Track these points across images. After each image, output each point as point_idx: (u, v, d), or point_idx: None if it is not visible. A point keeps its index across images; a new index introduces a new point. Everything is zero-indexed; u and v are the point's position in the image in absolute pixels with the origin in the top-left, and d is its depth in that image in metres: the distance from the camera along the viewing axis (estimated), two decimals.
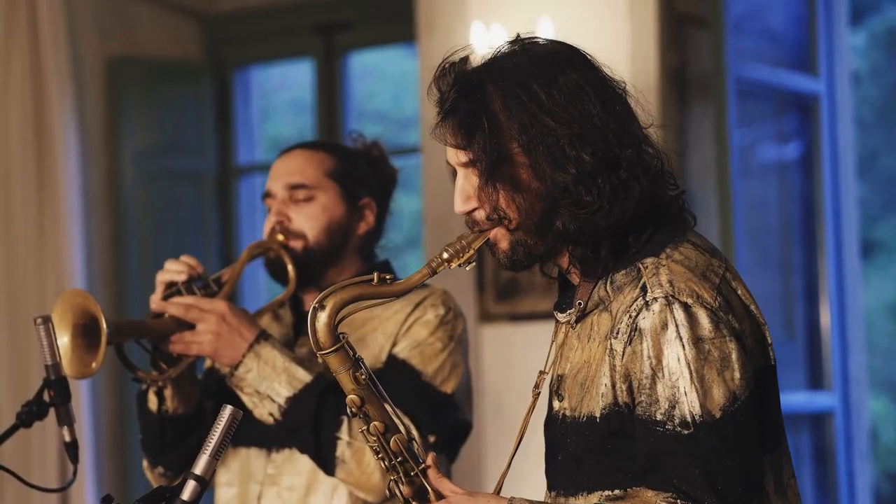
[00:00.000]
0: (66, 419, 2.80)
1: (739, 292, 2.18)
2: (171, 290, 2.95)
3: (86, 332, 2.86)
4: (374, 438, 2.23)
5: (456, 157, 2.22)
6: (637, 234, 2.18)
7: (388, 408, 2.25)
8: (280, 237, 3.04)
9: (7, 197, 5.78)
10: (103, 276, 6.04)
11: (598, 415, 2.15)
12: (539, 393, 2.29)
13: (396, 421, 2.26)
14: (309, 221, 3.05)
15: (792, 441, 5.51)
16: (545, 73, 2.17)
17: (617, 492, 2.15)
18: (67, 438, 2.80)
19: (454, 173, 2.26)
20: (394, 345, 2.99)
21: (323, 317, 2.20)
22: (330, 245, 3.05)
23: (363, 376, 2.23)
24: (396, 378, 2.93)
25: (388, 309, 3.02)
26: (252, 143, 6.59)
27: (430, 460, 2.25)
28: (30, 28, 5.78)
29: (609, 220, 2.15)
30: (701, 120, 5.19)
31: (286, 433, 2.93)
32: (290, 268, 3.03)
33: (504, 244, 2.22)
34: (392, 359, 2.98)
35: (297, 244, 3.05)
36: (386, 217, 3.15)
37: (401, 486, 2.23)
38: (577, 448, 2.19)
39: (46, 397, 2.81)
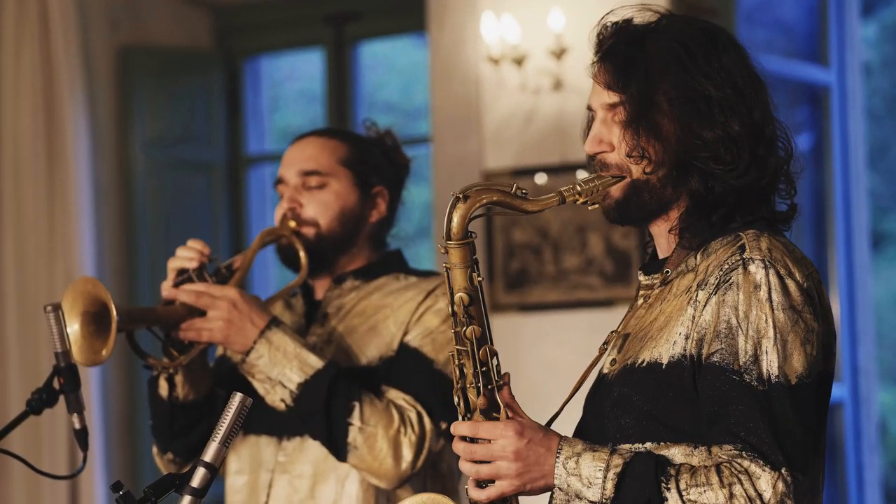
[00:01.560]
0: (75, 406, 2.81)
1: (823, 297, 2.22)
2: (183, 277, 2.95)
3: (96, 320, 2.86)
4: (468, 342, 2.23)
5: (603, 97, 2.28)
6: (746, 213, 2.24)
7: (486, 320, 2.26)
8: (292, 224, 3.04)
9: (18, 186, 5.79)
10: (113, 265, 6.05)
11: (665, 361, 2.17)
12: (606, 349, 2.31)
13: (489, 335, 2.26)
14: (321, 208, 3.05)
15: None
16: (706, 42, 2.26)
17: (648, 445, 2.16)
18: (77, 426, 2.80)
19: (591, 119, 2.32)
20: (405, 333, 2.99)
21: (462, 208, 2.22)
22: (342, 232, 3.05)
23: (478, 278, 2.25)
24: (408, 366, 2.94)
25: (400, 297, 3.03)
26: (262, 133, 6.59)
27: (506, 378, 2.26)
28: (40, 18, 5.78)
29: (741, 181, 2.21)
30: None
31: (298, 419, 2.94)
32: (301, 254, 3.03)
33: (618, 193, 2.27)
34: (404, 347, 2.98)
35: (309, 231, 3.04)
36: (398, 206, 3.15)
37: (470, 395, 2.23)
38: (623, 392, 2.20)
39: (56, 385, 2.81)
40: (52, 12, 5.77)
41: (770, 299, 2.12)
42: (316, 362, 2.91)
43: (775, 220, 2.27)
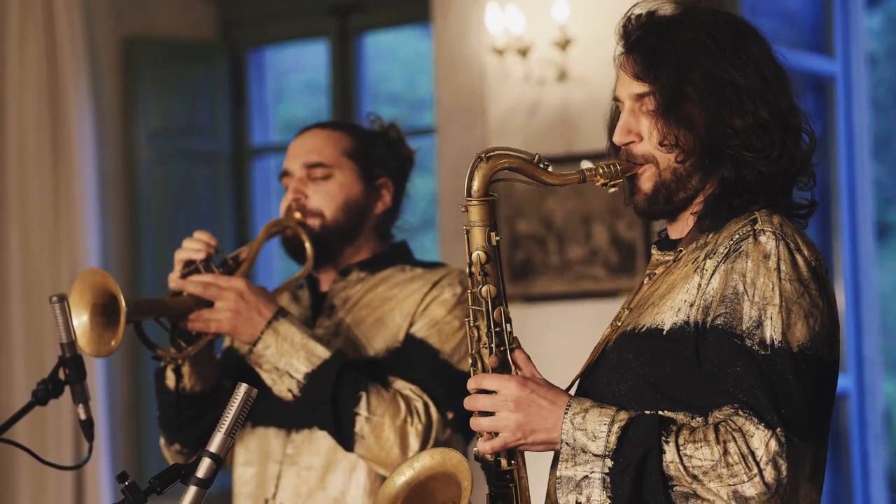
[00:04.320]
0: (81, 397, 2.81)
1: (829, 286, 2.23)
2: (190, 268, 2.95)
3: (104, 311, 2.86)
4: (483, 302, 2.25)
5: (632, 87, 2.30)
6: (768, 199, 2.25)
7: (502, 279, 2.27)
8: (297, 215, 3.05)
9: (23, 177, 5.80)
10: (118, 256, 6.06)
11: (666, 327, 2.19)
12: (618, 324, 2.32)
13: (504, 296, 2.28)
14: (326, 199, 3.06)
15: None
16: (732, 33, 2.29)
17: (648, 412, 2.17)
18: (83, 416, 2.81)
19: (617, 110, 2.34)
20: (411, 324, 3.00)
21: (485, 167, 2.25)
22: (347, 223, 3.06)
23: (497, 238, 2.27)
24: (414, 356, 2.95)
25: (405, 289, 3.04)
26: (266, 125, 6.60)
27: (517, 342, 2.28)
28: (45, 9, 5.78)
29: (771, 168, 2.23)
30: None
31: (305, 409, 2.94)
32: (307, 246, 3.04)
33: (648, 185, 2.29)
34: (410, 338, 2.99)
35: (314, 222, 3.05)
36: (403, 197, 3.15)
37: (485, 358, 2.25)
38: (620, 357, 2.22)
39: (62, 375, 2.82)
40: (57, 3, 5.77)
41: (778, 269, 2.15)
42: (323, 352, 2.91)
43: (793, 212, 2.29)
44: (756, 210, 2.24)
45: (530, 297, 5.38)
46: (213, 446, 2.07)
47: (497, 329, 2.26)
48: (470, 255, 2.26)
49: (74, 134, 5.77)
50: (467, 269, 2.27)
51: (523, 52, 5.38)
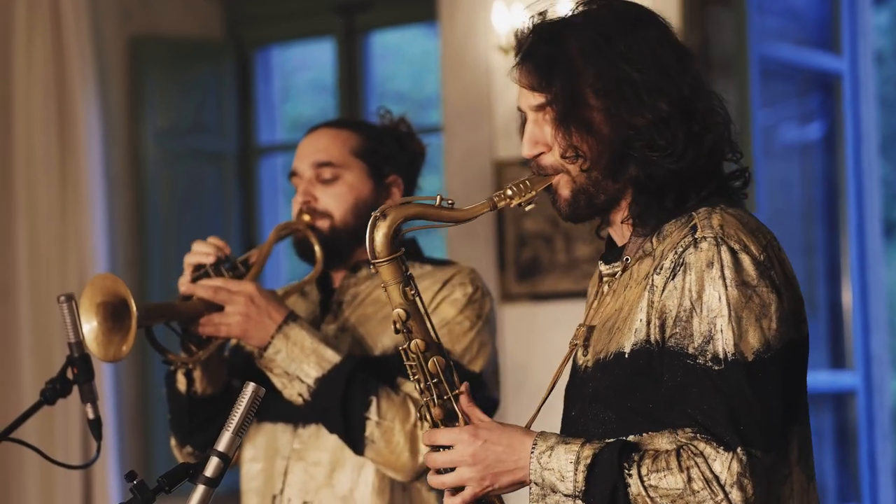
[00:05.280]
0: (89, 396, 2.81)
1: (785, 263, 2.19)
2: (200, 272, 2.94)
3: (115, 316, 2.85)
4: (414, 356, 2.24)
5: (529, 99, 2.26)
6: (698, 189, 2.21)
7: (432, 331, 2.26)
8: (307, 217, 3.04)
9: (30, 177, 5.80)
10: (125, 255, 6.06)
11: (627, 350, 2.16)
12: (577, 345, 2.29)
13: (439, 345, 2.27)
14: (335, 201, 3.05)
15: (814, 420, 5.49)
16: (624, 25, 2.22)
17: (631, 438, 2.15)
18: (91, 415, 2.81)
19: (523, 120, 2.30)
20: None
21: (383, 227, 2.24)
22: (357, 224, 3.05)
23: (412, 292, 2.25)
24: None
25: None
26: (273, 123, 6.60)
27: (463, 388, 2.26)
28: (52, 9, 5.79)
29: (680, 164, 2.18)
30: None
31: (315, 414, 2.94)
32: (316, 248, 3.03)
33: (566, 192, 2.24)
34: None
35: (323, 224, 3.04)
36: (413, 193, 3.14)
37: (432, 410, 2.25)
38: (597, 388, 2.20)
39: (70, 375, 2.82)
40: (64, 3, 5.77)
41: (723, 276, 2.10)
42: (333, 357, 2.91)
43: (729, 190, 2.24)
44: (693, 207, 2.19)
45: (537, 296, 5.37)
46: (222, 445, 2.07)
47: (435, 380, 2.24)
48: (393, 312, 2.25)
49: (81, 133, 5.77)
50: (393, 326, 2.25)
51: None
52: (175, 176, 6.22)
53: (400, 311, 2.24)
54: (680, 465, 2.07)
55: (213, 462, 2.07)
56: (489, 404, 3.03)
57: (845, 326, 5.64)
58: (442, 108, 5.71)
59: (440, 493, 2.26)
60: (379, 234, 2.24)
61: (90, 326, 2.84)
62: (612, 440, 2.15)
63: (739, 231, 2.14)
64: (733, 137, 2.25)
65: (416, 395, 2.93)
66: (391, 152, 3.10)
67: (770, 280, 2.12)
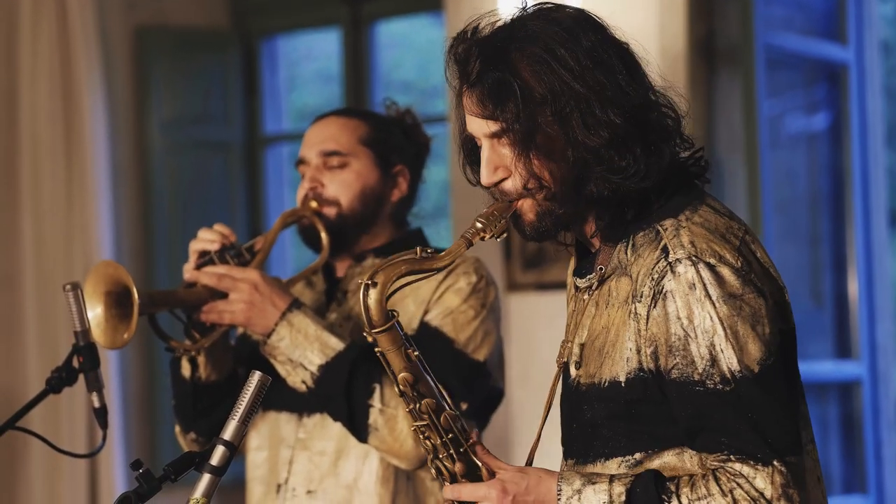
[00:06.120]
0: (95, 385, 2.82)
1: (759, 255, 2.17)
2: (204, 259, 2.95)
3: (118, 303, 2.86)
4: (426, 416, 2.21)
5: (483, 127, 2.20)
6: (659, 195, 2.18)
7: (433, 383, 2.23)
8: (313, 204, 3.04)
9: (36, 168, 5.81)
10: (131, 245, 6.06)
11: (622, 380, 2.14)
12: (565, 362, 2.27)
13: (443, 397, 2.24)
14: (342, 188, 3.05)
15: (819, 410, 5.52)
16: (568, 37, 2.15)
17: (637, 455, 2.14)
18: (97, 404, 2.82)
19: (473, 145, 2.25)
20: (426, 312, 2.99)
21: (374, 294, 2.19)
22: (363, 212, 3.05)
23: (414, 353, 2.21)
24: (429, 346, 2.93)
25: None
26: (279, 113, 6.60)
27: (474, 435, 2.23)
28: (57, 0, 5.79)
29: (644, 183, 2.14)
30: (729, 90, 5.17)
31: (319, 401, 2.94)
32: (323, 235, 3.03)
33: (531, 215, 2.20)
34: (424, 326, 2.98)
35: (330, 211, 3.05)
36: (419, 184, 3.15)
37: (447, 464, 2.21)
38: (595, 414, 2.18)
39: (76, 363, 2.83)
40: None
41: (708, 295, 2.08)
42: (337, 344, 2.91)
43: (690, 183, 2.21)
44: (658, 216, 2.15)
45: (543, 285, 5.37)
46: (227, 434, 2.08)
47: (450, 436, 2.21)
48: (395, 378, 2.21)
49: (87, 124, 5.77)
50: (397, 391, 2.22)
51: None
52: (181, 166, 6.22)
53: (406, 374, 2.20)
54: (722, 490, 2.06)
55: (219, 451, 2.07)
56: (494, 394, 3.04)
57: (851, 316, 5.63)
58: (448, 97, 5.69)
59: (443, 483, 2.24)
60: (373, 303, 2.19)
61: (94, 314, 2.85)
62: (639, 473, 2.12)
63: (711, 242, 2.11)
64: (683, 131, 2.20)
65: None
66: (398, 142, 3.11)
67: (752, 284, 2.10)
